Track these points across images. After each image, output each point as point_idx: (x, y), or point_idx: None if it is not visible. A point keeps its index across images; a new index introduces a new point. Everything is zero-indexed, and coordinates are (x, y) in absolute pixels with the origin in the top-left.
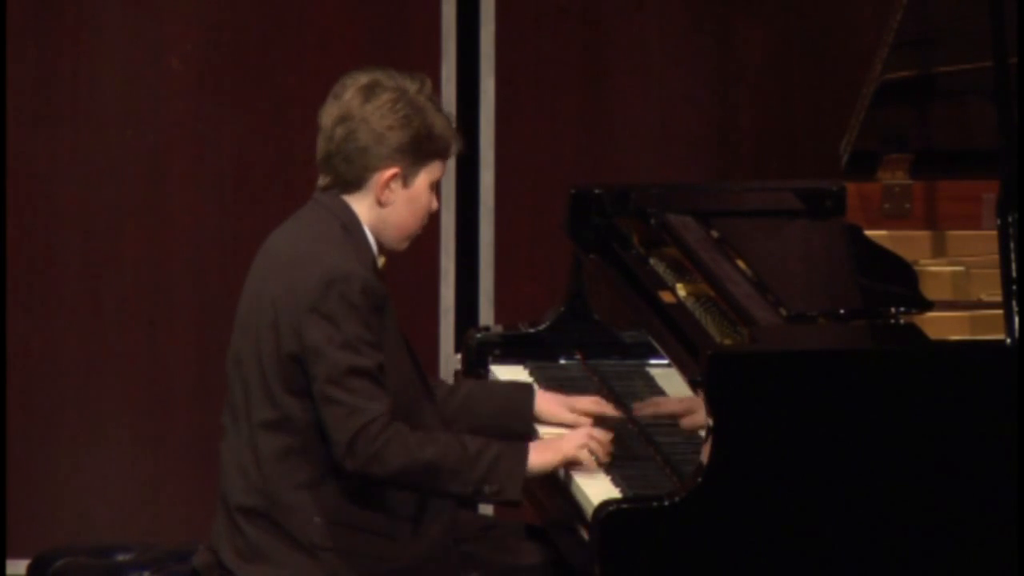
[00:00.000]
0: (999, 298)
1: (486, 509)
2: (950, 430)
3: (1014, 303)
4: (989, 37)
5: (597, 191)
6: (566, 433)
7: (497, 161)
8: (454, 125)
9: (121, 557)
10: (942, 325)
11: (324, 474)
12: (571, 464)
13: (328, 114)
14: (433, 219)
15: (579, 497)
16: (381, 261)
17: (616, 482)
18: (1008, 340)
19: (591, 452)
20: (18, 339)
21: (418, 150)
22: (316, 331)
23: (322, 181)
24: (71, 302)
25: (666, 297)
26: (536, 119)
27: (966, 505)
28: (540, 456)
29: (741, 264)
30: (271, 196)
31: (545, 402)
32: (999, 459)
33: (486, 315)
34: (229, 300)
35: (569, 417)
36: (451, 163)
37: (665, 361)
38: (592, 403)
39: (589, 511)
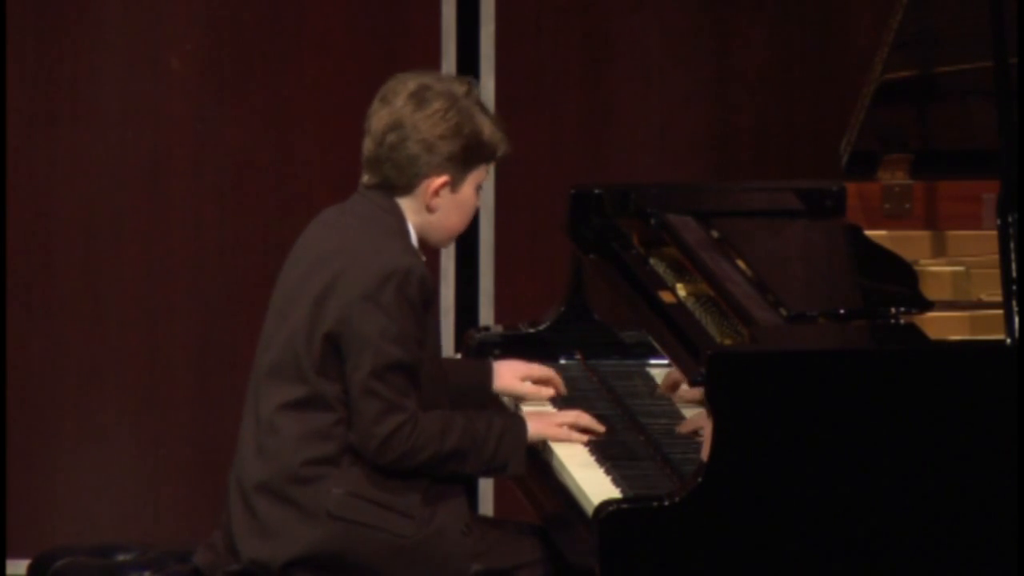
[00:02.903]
0: (999, 298)
1: (486, 509)
2: (950, 430)
3: (1014, 303)
4: (989, 37)
5: (597, 191)
6: (555, 411)
7: (497, 161)
8: (501, 127)
9: (121, 557)
10: (942, 325)
11: (344, 451)
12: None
13: (379, 119)
14: None
15: (579, 497)
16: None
17: (616, 482)
18: (1008, 340)
19: (579, 432)
20: (18, 339)
21: (467, 158)
22: (370, 321)
23: (368, 179)
24: (71, 302)
25: (666, 297)
26: (536, 119)
27: (966, 505)
28: (537, 427)
29: (741, 264)
30: (271, 196)
31: (501, 379)
32: (999, 459)
33: (486, 315)
34: (229, 300)
35: (524, 388)
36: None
37: (665, 361)
38: (544, 371)
39: (589, 511)
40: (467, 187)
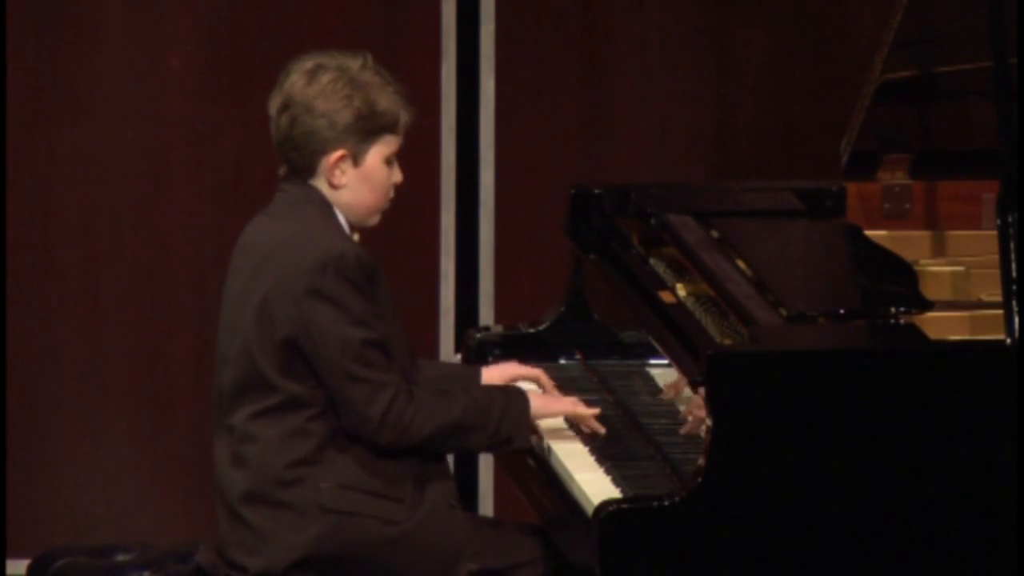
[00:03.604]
0: (999, 298)
1: (487, 509)
2: (950, 430)
3: (1014, 303)
4: (989, 37)
5: (597, 191)
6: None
7: (497, 161)
8: (402, 96)
9: (121, 557)
10: (942, 325)
11: (325, 445)
12: (570, 418)
13: (273, 102)
14: (433, 219)
15: (579, 496)
16: (355, 238)
17: (616, 482)
18: (1008, 340)
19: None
20: (18, 339)
21: (363, 128)
22: (321, 314)
23: (281, 170)
24: (71, 302)
25: (666, 297)
26: (536, 119)
27: (966, 505)
28: (539, 401)
29: (741, 264)
30: (271, 196)
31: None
32: (999, 459)
33: (486, 315)
34: None
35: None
36: (451, 163)
37: (665, 361)
38: (532, 373)
39: (589, 511)
40: (371, 160)
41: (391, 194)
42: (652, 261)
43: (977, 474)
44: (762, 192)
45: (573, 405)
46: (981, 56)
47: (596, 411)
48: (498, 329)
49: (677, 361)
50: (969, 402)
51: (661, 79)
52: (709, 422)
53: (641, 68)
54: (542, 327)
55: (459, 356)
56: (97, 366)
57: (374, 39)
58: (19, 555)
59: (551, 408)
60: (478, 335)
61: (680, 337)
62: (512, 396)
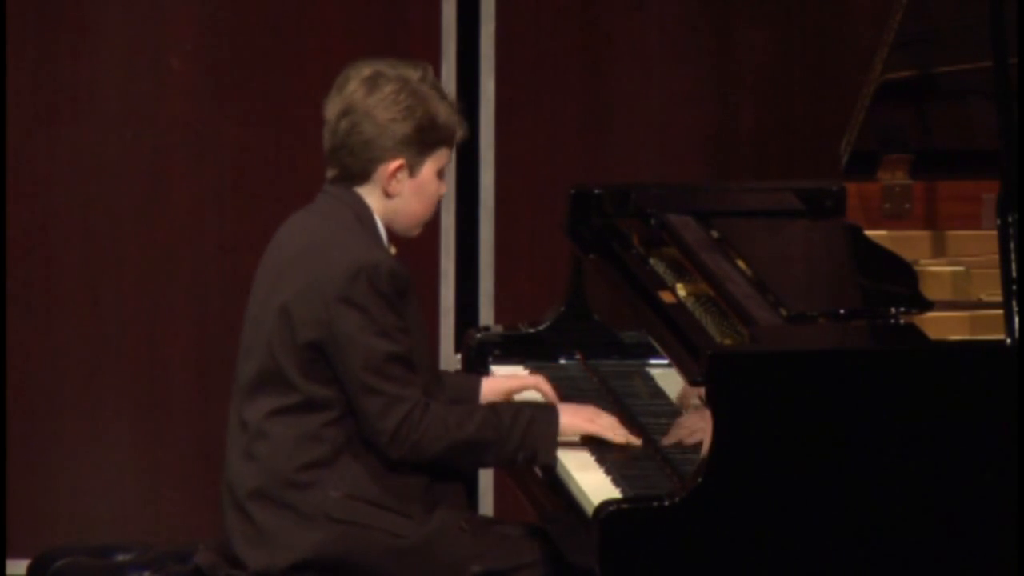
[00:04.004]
0: (999, 298)
1: (487, 509)
2: (950, 430)
3: (1014, 303)
4: (989, 37)
5: (597, 191)
6: (594, 408)
7: (497, 161)
8: (458, 111)
9: (121, 557)
10: (942, 325)
11: (340, 451)
12: (598, 438)
13: (332, 107)
14: (433, 219)
15: (579, 497)
16: (392, 251)
17: (616, 482)
18: (1008, 340)
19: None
20: (18, 339)
21: (422, 140)
22: (348, 321)
23: (330, 173)
24: (71, 302)
25: (666, 297)
26: (536, 119)
27: (966, 505)
28: (571, 419)
29: (741, 264)
30: (271, 196)
31: (487, 397)
32: (999, 459)
33: (486, 315)
34: (229, 300)
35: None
36: (451, 163)
37: (665, 361)
38: (531, 381)
39: (589, 511)
40: (426, 171)
41: (435, 207)
42: (652, 261)
43: (977, 474)
44: (762, 192)
45: (602, 428)
46: (981, 56)
47: (625, 442)
48: (498, 329)
49: (677, 361)
50: (969, 402)
51: (661, 79)
52: (709, 423)
53: (641, 68)
54: (542, 327)
55: (459, 356)
56: (97, 366)
57: (374, 39)
58: (19, 555)
59: (581, 428)
60: (478, 335)
61: (680, 337)
62: (539, 414)
